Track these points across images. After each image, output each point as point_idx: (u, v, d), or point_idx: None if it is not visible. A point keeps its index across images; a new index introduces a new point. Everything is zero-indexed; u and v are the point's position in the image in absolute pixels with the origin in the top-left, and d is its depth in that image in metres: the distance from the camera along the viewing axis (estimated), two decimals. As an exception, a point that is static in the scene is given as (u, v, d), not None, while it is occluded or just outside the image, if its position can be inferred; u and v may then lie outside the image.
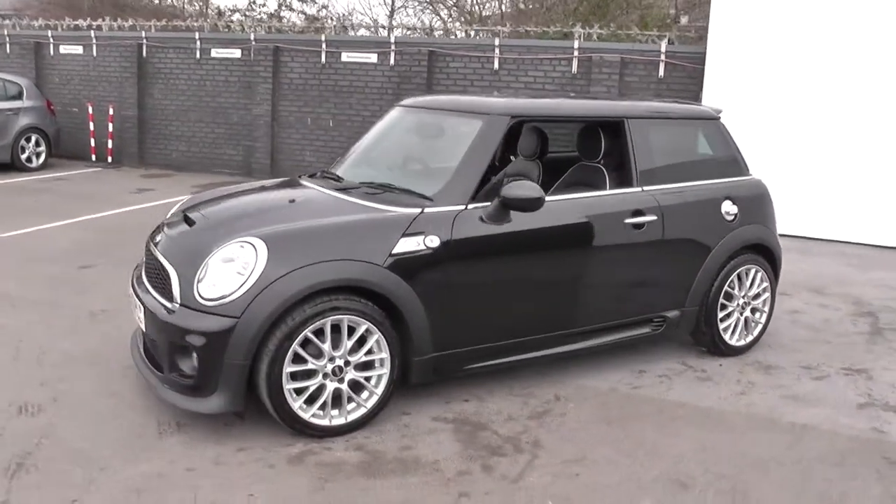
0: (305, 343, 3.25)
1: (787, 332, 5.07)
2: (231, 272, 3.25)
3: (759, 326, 4.67)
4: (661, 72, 8.67)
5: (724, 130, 4.63)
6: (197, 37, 10.86)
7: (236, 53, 10.47)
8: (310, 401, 3.32)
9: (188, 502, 2.87)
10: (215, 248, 3.34)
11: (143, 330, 3.55)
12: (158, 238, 3.73)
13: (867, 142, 7.95)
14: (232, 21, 14.73)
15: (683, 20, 9.99)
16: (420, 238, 3.48)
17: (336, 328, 3.30)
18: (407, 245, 3.45)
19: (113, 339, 4.43)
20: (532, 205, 3.56)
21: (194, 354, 3.24)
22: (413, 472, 3.15)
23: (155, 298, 3.48)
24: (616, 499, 3.02)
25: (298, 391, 3.29)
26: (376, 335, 3.38)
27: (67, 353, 4.22)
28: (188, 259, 3.40)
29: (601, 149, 4.25)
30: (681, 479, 3.18)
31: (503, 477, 3.13)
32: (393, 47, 9.47)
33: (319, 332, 3.27)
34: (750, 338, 4.63)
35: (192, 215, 3.76)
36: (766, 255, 4.62)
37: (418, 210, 3.54)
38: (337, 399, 3.38)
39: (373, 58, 9.57)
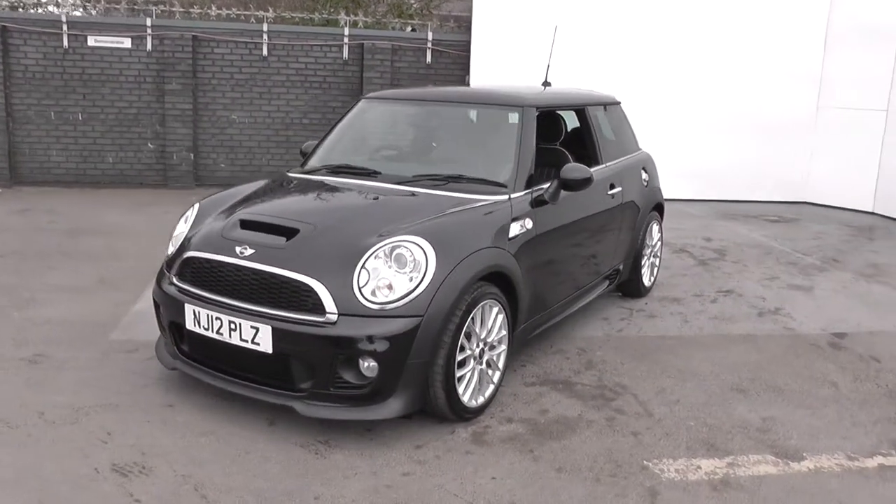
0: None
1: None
2: (400, 272, 3.20)
3: (657, 269, 5.79)
4: (429, 58, 9.38)
5: (624, 113, 5.57)
6: None
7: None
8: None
9: (453, 494, 2.91)
10: (367, 253, 3.23)
11: (267, 351, 3.22)
12: (240, 251, 3.36)
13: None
14: None
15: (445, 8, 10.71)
16: (522, 221, 3.78)
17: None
18: (516, 229, 3.72)
19: None
20: (585, 184, 4.06)
21: (370, 361, 3.13)
22: (579, 427, 3.53)
23: (277, 315, 3.21)
24: (720, 405, 3.78)
25: (459, 378, 3.39)
26: (502, 315, 3.61)
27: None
28: (329, 267, 3.22)
29: (562, 132, 4.87)
30: (739, 386, 4.08)
31: (641, 413, 3.68)
32: (149, 31, 8.56)
33: (472, 319, 3.41)
34: (653, 279, 5.73)
35: (281, 223, 3.46)
36: (661, 211, 5.73)
37: (507, 196, 3.81)
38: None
39: (126, 42, 8.52)
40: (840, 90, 9.32)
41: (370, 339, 3.11)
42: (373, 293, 3.17)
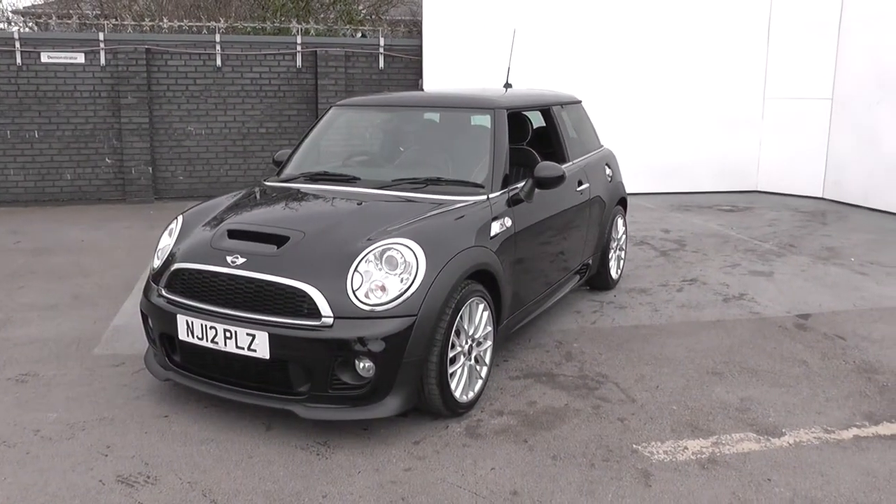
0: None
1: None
2: (392, 274, 3.28)
3: (622, 262, 5.97)
4: (382, 64, 9.44)
5: (585, 111, 5.73)
6: None
7: None
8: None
9: (456, 486, 3.00)
10: (358, 257, 3.31)
11: (264, 357, 3.26)
12: (232, 260, 3.40)
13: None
14: None
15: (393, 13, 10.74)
16: (502, 220, 3.89)
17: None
18: (496, 228, 3.84)
19: None
20: (558, 182, 4.20)
21: (367, 361, 3.21)
22: (568, 416, 3.65)
23: (273, 321, 3.26)
24: (698, 388, 3.95)
25: (451, 374, 3.49)
26: (487, 311, 3.72)
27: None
28: (321, 272, 3.29)
29: (529, 132, 5.00)
30: (714, 370, 4.26)
31: (624, 400, 3.82)
32: (102, 45, 8.43)
33: (460, 317, 3.50)
34: (620, 272, 5.90)
35: (270, 232, 3.51)
36: (624, 205, 5.91)
37: (486, 196, 3.91)
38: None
39: (80, 58, 8.38)
40: (785, 80, 9.69)
41: (366, 340, 3.19)
42: (366, 295, 3.25)
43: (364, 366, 3.23)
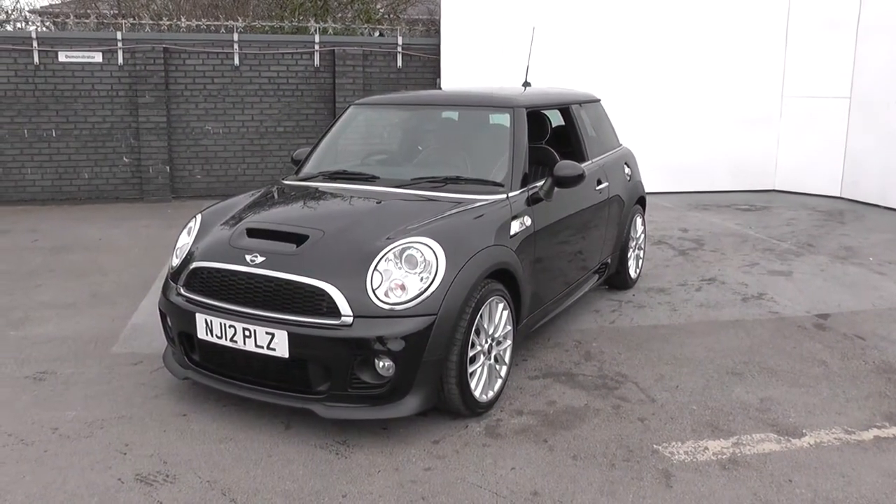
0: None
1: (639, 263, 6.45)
2: (412, 273, 3.27)
3: (641, 261, 5.94)
4: (399, 62, 9.44)
5: (604, 110, 5.70)
6: None
7: None
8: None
9: (476, 486, 2.99)
10: (378, 255, 3.30)
11: (283, 356, 3.27)
12: (251, 259, 3.41)
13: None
14: None
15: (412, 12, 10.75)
16: (521, 219, 3.87)
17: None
18: (516, 227, 3.82)
19: None
20: (578, 181, 4.17)
21: (387, 360, 3.21)
22: (587, 416, 3.63)
23: (292, 320, 3.26)
24: (718, 389, 3.92)
25: (471, 374, 3.47)
26: (507, 311, 3.71)
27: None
28: (342, 271, 3.28)
29: (548, 131, 4.98)
30: (734, 370, 4.22)
31: (644, 400, 3.80)
32: (120, 44, 8.48)
33: (480, 316, 3.49)
34: (638, 271, 5.87)
35: (289, 230, 3.52)
36: (643, 204, 5.88)
37: (505, 195, 3.90)
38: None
39: (97, 57, 8.44)
40: (803, 79, 9.60)
41: (386, 339, 3.18)
42: (386, 294, 3.24)
43: (384, 365, 3.23)
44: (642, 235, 5.92)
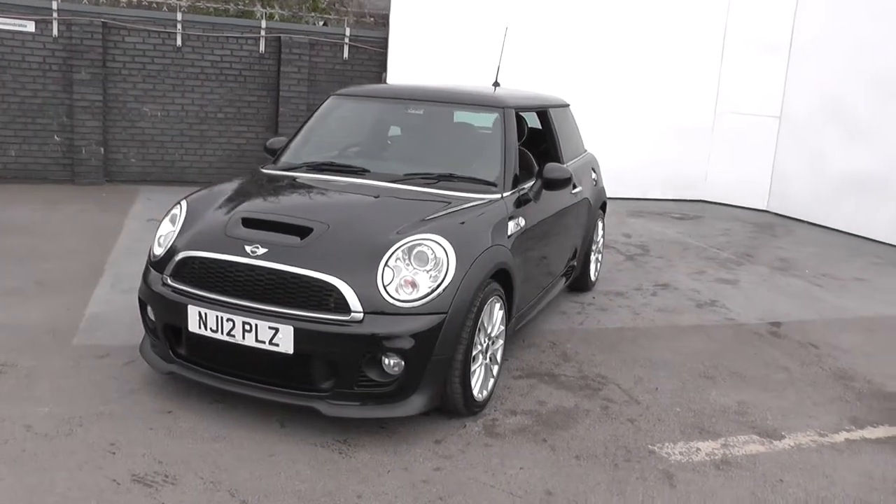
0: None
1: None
2: (422, 270, 3.23)
3: (599, 264, 6.06)
4: (346, 54, 9.27)
5: (572, 115, 5.79)
6: None
7: None
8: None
9: (489, 486, 2.98)
10: (389, 251, 3.24)
11: (287, 352, 3.15)
12: (251, 250, 3.27)
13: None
14: None
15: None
16: (516, 220, 3.89)
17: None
18: (512, 227, 3.84)
19: None
20: (566, 183, 4.23)
21: (396, 358, 3.15)
22: (579, 416, 3.69)
23: (298, 315, 3.16)
24: (695, 391, 4.07)
25: (472, 373, 3.46)
26: (502, 311, 3.71)
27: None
28: (350, 265, 3.21)
29: (525, 132, 5.01)
30: (706, 374, 4.37)
31: (629, 401, 3.89)
32: (55, 14, 7.94)
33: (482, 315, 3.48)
34: (597, 274, 5.99)
35: (291, 222, 3.40)
36: (604, 209, 6.00)
37: (500, 195, 3.90)
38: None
39: (30, 26, 7.87)
40: (736, 97, 10.03)
41: (397, 336, 3.13)
42: (397, 291, 3.19)
43: (392, 363, 3.18)
44: (601, 239, 6.05)
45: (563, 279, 5.20)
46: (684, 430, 3.66)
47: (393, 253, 3.25)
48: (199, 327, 3.32)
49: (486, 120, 4.31)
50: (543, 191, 4.26)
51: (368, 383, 3.20)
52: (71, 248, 6.12)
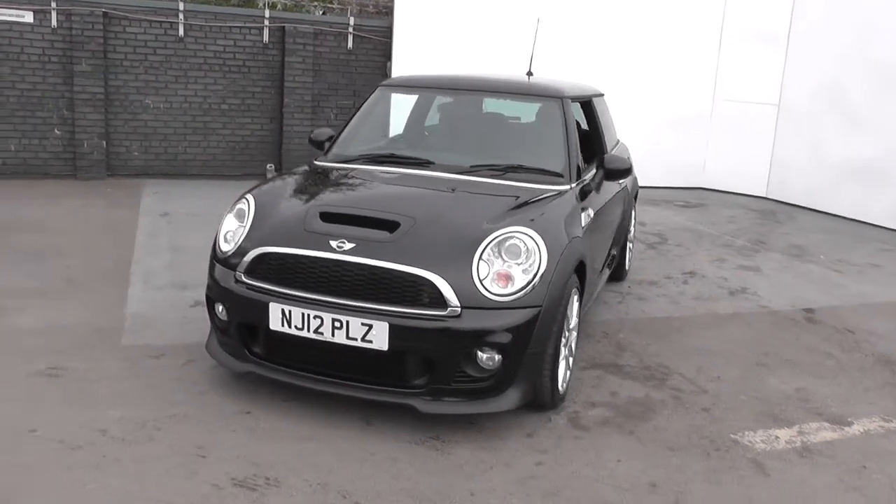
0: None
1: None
2: (515, 263, 3.21)
3: (631, 253, 6.07)
4: (350, 44, 9.14)
5: (606, 104, 5.78)
6: None
7: None
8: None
9: (594, 480, 2.98)
10: (482, 244, 3.21)
11: (381, 349, 3.09)
12: (337, 245, 3.20)
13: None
14: None
15: None
16: (587, 211, 3.87)
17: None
18: (584, 219, 3.81)
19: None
20: (627, 173, 4.23)
21: (493, 353, 3.12)
22: (655, 406, 3.71)
23: (393, 311, 3.10)
24: (755, 379, 4.11)
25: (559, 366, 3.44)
26: (578, 302, 3.70)
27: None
28: (444, 260, 3.16)
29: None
30: (759, 361, 4.42)
31: (697, 391, 3.92)
32: (55, 4, 7.66)
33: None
34: (630, 263, 6.01)
35: (376, 216, 3.34)
36: (636, 198, 6.01)
37: (570, 186, 3.88)
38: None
39: (28, 17, 7.58)
40: (734, 85, 10.13)
41: (496, 331, 3.11)
42: (492, 285, 3.15)
43: (490, 357, 3.14)
44: (634, 229, 6.08)
45: (608, 269, 5.21)
46: (757, 418, 3.70)
47: (486, 246, 3.22)
48: (282, 325, 3.24)
49: (548, 110, 4.26)
50: (605, 181, 4.26)
51: (465, 379, 3.16)
52: (88, 244, 5.95)
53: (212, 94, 8.62)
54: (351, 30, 9.12)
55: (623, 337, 4.66)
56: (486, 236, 3.25)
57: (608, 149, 5.01)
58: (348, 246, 3.22)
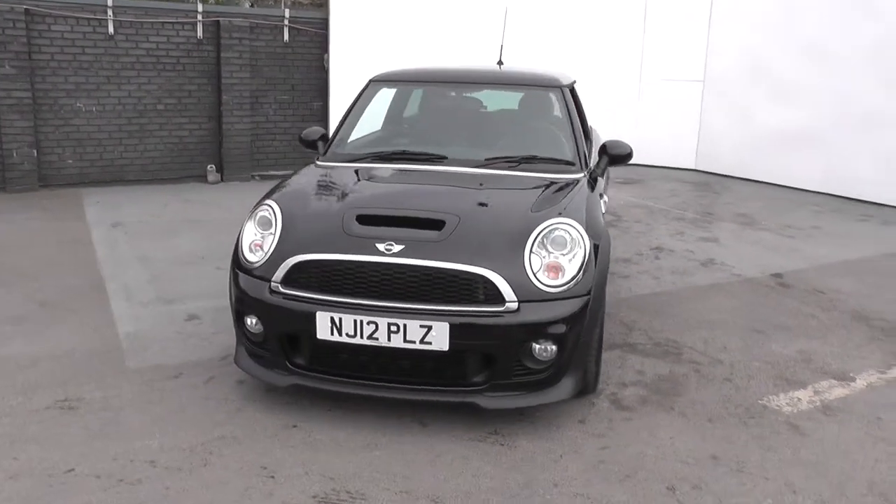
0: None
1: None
2: (561, 254, 3.26)
3: (604, 234, 6.24)
4: (287, 37, 8.88)
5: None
6: None
7: None
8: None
9: (660, 458, 3.08)
10: (530, 238, 3.25)
11: (441, 349, 3.07)
12: (385, 248, 3.15)
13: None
14: None
15: None
16: (604, 198, 3.95)
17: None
18: (603, 206, 3.89)
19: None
20: (628, 158, 4.33)
21: (550, 344, 3.17)
22: (682, 381, 3.86)
23: (452, 310, 3.10)
24: (758, 346, 4.33)
25: (599, 352, 3.53)
26: (603, 289, 3.79)
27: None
28: (496, 255, 3.19)
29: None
30: (754, 328, 4.66)
31: (713, 362, 4.10)
32: (-30, 5, 7.09)
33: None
34: (604, 243, 6.17)
35: (419, 216, 3.32)
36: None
37: (583, 174, 3.95)
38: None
39: (-59, 18, 6.98)
40: (660, 64, 10.51)
41: (553, 322, 3.16)
42: (545, 276, 3.20)
43: (547, 349, 3.19)
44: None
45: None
46: (776, 382, 3.92)
47: (535, 239, 3.25)
48: (332, 333, 3.17)
49: (547, 99, 4.32)
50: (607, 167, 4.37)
51: (524, 372, 3.21)
52: (48, 262, 5.59)
53: (146, 95, 8.23)
54: (286, 22, 8.89)
55: (624, 315, 4.81)
56: (533, 229, 3.29)
57: (590, 133, 5.14)
58: (397, 248, 3.19)
